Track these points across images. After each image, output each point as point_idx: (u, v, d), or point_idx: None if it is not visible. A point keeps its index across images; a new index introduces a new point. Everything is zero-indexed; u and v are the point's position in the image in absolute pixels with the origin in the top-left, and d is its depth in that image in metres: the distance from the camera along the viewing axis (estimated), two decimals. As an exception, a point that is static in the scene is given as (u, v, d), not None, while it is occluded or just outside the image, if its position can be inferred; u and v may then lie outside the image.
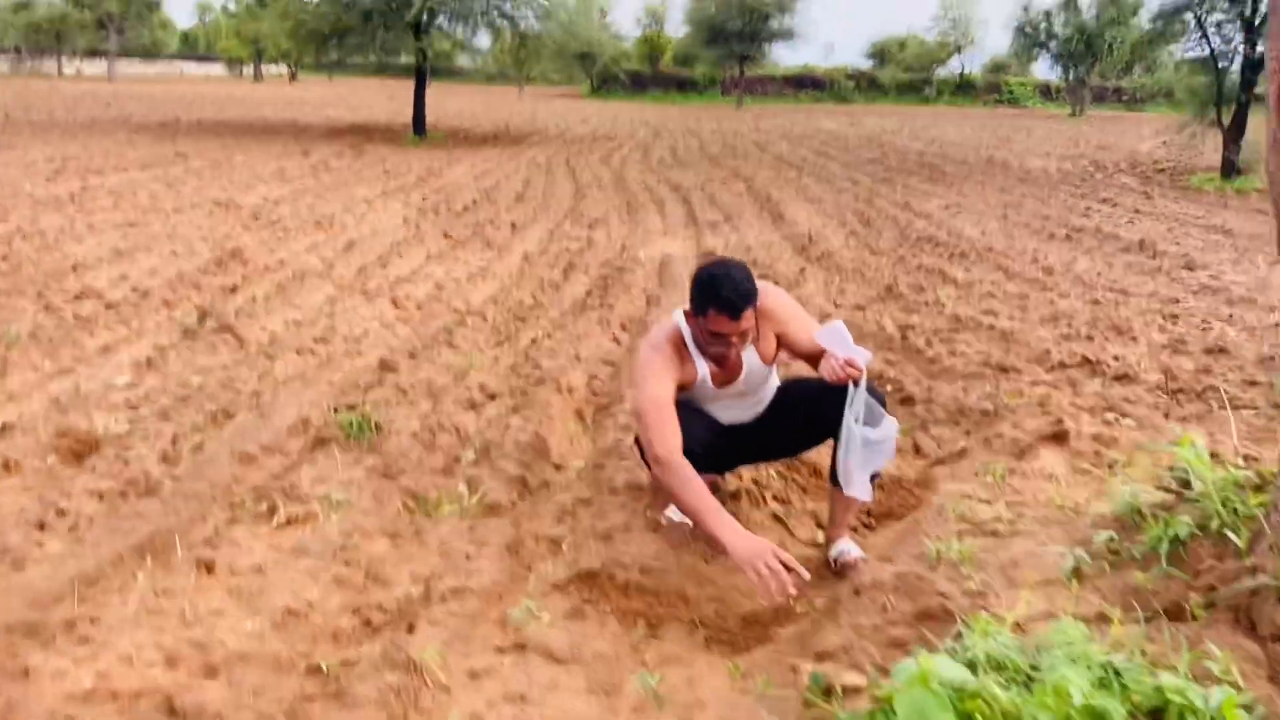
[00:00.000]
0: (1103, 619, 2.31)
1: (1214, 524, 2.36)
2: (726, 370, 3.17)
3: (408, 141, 20.87)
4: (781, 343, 3.24)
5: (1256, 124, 17.03)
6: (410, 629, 2.71)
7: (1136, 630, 2.17)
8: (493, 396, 4.67)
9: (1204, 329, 6.26)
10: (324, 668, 2.49)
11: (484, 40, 25.49)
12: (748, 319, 2.96)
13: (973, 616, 2.25)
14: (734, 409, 3.35)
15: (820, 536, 3.71)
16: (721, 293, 2.90)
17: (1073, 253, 9.48)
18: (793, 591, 2.56)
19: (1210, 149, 17.21)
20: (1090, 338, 6.03)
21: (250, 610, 2.76)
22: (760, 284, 3.09)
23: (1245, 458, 3.45)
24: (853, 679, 2.24)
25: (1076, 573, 2.50)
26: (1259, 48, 15.84)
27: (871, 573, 2.65)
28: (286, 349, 5.42)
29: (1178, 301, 7.15)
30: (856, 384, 3.02)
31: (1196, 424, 4.37)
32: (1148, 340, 5.93)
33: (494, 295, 7.07)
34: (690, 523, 3.41)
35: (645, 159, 19.25)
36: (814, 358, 3.27)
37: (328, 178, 13.81)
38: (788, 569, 2.55)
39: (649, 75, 57.55)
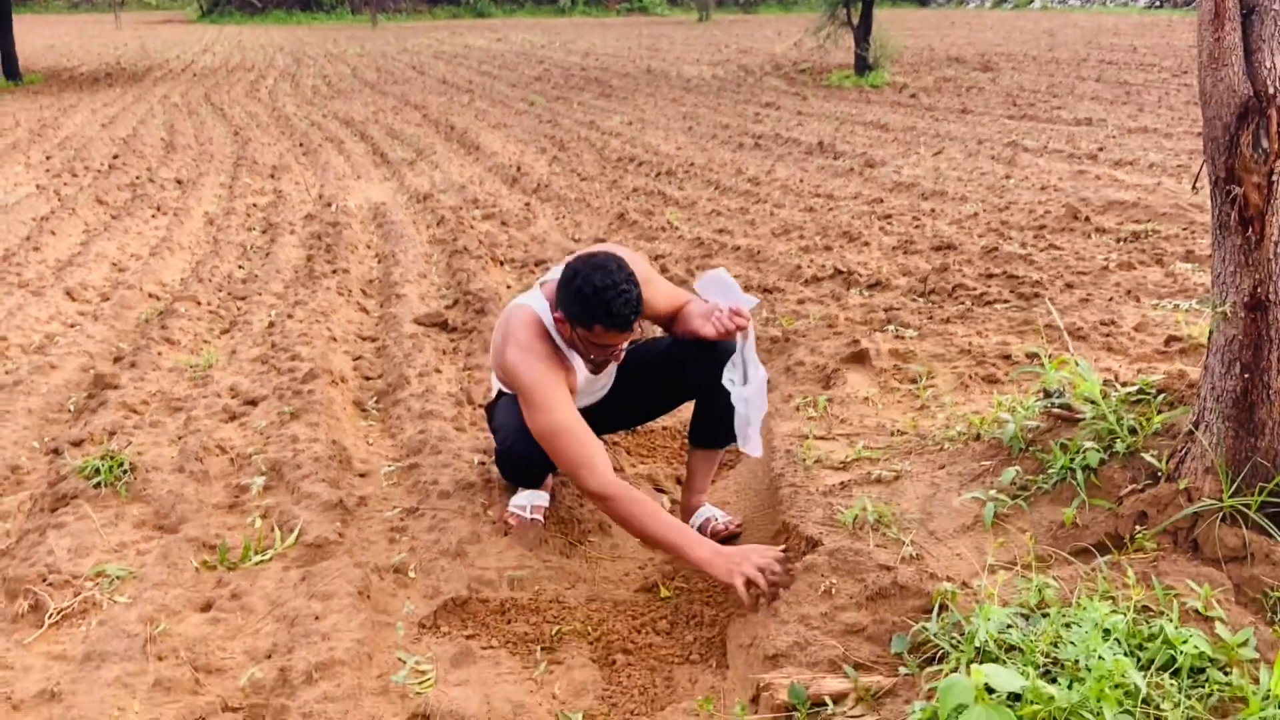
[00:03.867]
0: (1043, 562, 2.31)
1: (1120, 447, 2.41)
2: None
3: (-1, 88, 17.69)
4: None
5: (880, 18, 18.62)
6: (281, 729, 2.20)
7: (1089, 570, 2.17)
8: (254, 401, 3.97)
9: (917, 226, 6.70)
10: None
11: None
12: (638, 325, 2.64)
13: (938, 591, 2.15)
14: (587, 394, 3.02)
15: (666, 502, 3.52)
16: (612, 308, 2.52)
17: (766, 160, 9.83)
18: (785, 587, 2.41)
19: (838, 47, 18.57)
20: (828, 247, 6.25)
21: (60, 757, 2.10)
22: (616, 249, 2.78)
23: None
24: (835, 684, 2.06)
25: (996, 517, 2.47)
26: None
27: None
28: (-52, 375, 4.31)
29: (882, 201, 7.61)
30: (745, 334, 2.79)
31: (961, 323, 4.63)
32: (878, 244, 6.24)
33: (193, 271, 6.08)
34: (540, 519, 3.09)
35: (298, 90, 17.62)
36: (669, 319, 3.01)
37: (-91, 141, 11.32)
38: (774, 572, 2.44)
39: (267, -5, 52.74)
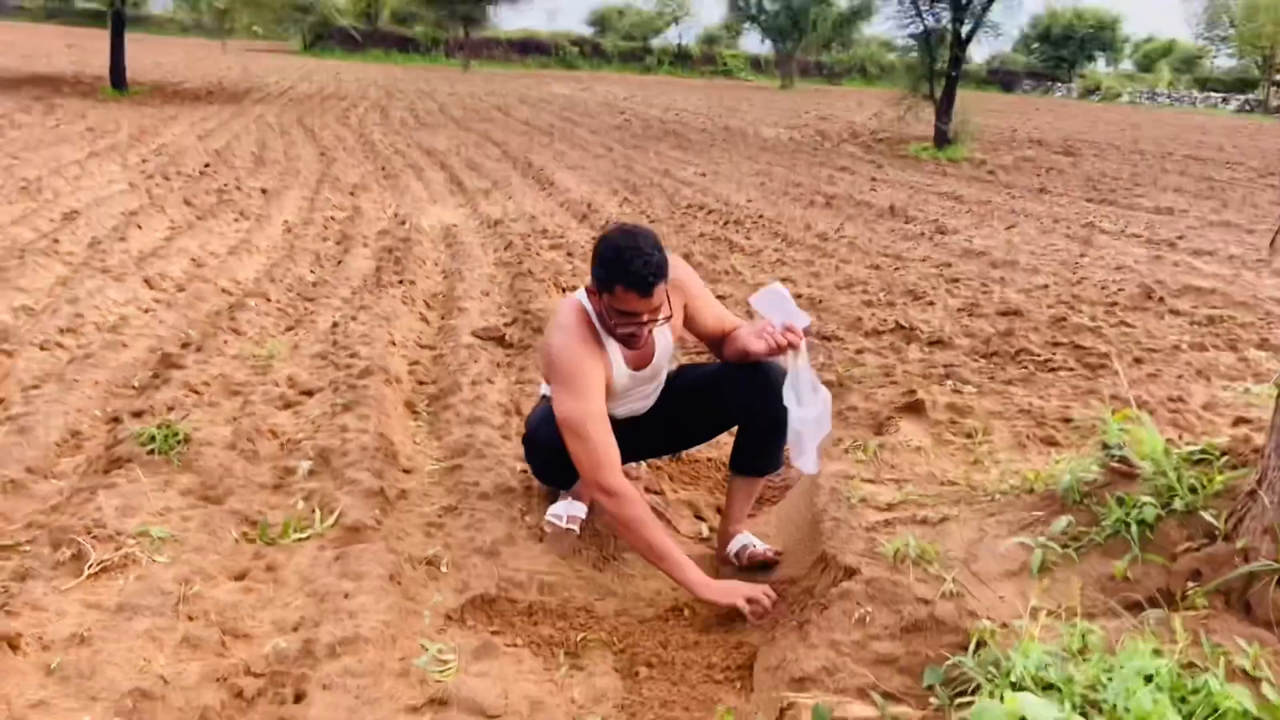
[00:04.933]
0: (1089, 610, 2.23)
1: (1178, 504, 2.33)
2: (639, 352, 2.83)
3: (105, 95, 18.49)
4: (686, 318, 2.95)
5: (963, 96, 18.62)
6: (298, 698, 2.20)
7: (1136, 622, 2.09)
8: (310, 392, 4.04)
9: (985, 291, 6.62)
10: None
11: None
12: (659, 295, 2.63)
13: (976, 629, 2.09)
14: (634, 400, 3.02)
15: (705, 530, 3.48)
16: (631, 267, 2.55)
17: (836, 219, 9.83)
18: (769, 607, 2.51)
19: (919, 120, 18.58)
20: (892, 303, 6.20)
21: (84, 697, 2.12)
22: (668, 254, 2.78)
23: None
24: (861, 711, 2.00)
25: (1043, 565, 2.40)
26: (964, 25, 17.26)
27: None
28: (24, 343, 4.45)
29: (950, 265, 7.54)
30: (798, 353, 2.75)
31: (1023, 386, 4.54)
32: (943, 304, 6.18)
33: (266, 271, 6.25)
34: (576, 529, 3.07)
35: (386, 120, 18.15)
36: (717, 338, 3.01)
37: (18, 136, 11.86)
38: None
39: (368, 33, 54.67)
